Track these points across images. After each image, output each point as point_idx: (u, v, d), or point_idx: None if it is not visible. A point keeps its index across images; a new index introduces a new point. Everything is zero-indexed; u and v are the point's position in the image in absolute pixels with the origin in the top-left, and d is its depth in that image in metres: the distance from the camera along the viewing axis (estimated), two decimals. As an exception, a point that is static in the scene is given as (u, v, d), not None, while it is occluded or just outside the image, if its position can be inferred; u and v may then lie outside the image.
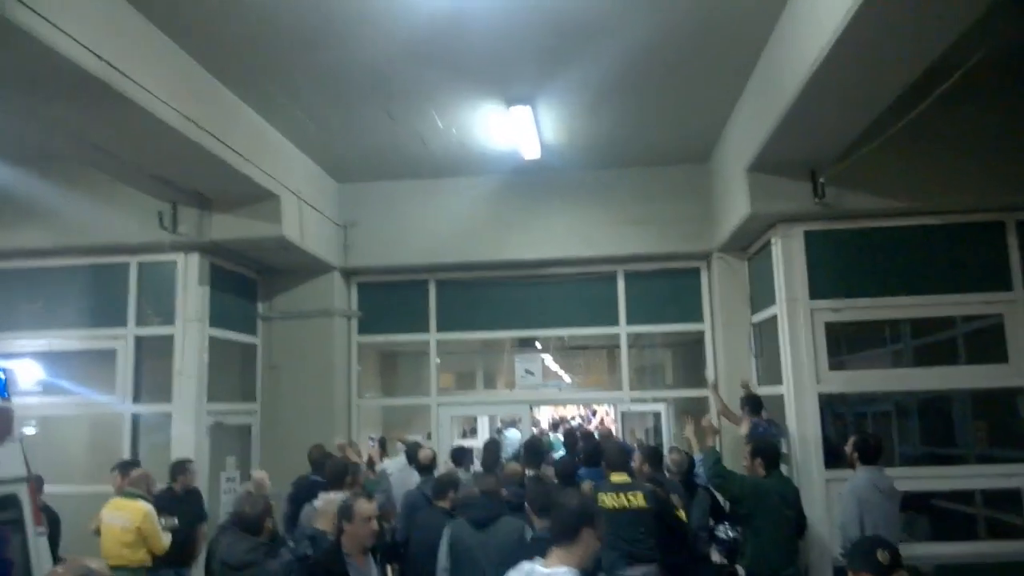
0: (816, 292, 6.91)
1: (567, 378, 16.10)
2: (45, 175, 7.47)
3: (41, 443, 7.71)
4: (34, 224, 7.69)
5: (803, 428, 6.77)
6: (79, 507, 6.39)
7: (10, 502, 4.69)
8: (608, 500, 5.26)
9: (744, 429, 6.93)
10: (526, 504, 4.49)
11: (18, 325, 7.98)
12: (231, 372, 8.49)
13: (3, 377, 4.89)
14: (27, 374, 7.82)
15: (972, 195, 6.54)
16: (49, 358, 7.97)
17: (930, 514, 6.85)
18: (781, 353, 7.07)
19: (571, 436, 9.70)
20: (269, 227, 7.44)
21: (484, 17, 5.28)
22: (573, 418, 19.97)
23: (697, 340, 9.24)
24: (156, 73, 5.30)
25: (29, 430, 7.65)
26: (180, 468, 6.71)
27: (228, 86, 6.40)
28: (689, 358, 10.98)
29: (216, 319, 7.99)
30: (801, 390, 6.82)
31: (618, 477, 5.50)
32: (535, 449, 7.06)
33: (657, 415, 9.29)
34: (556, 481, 6.16)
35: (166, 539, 6.00)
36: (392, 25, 5.40)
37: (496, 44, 5.75)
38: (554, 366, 14.25)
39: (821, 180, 6.59)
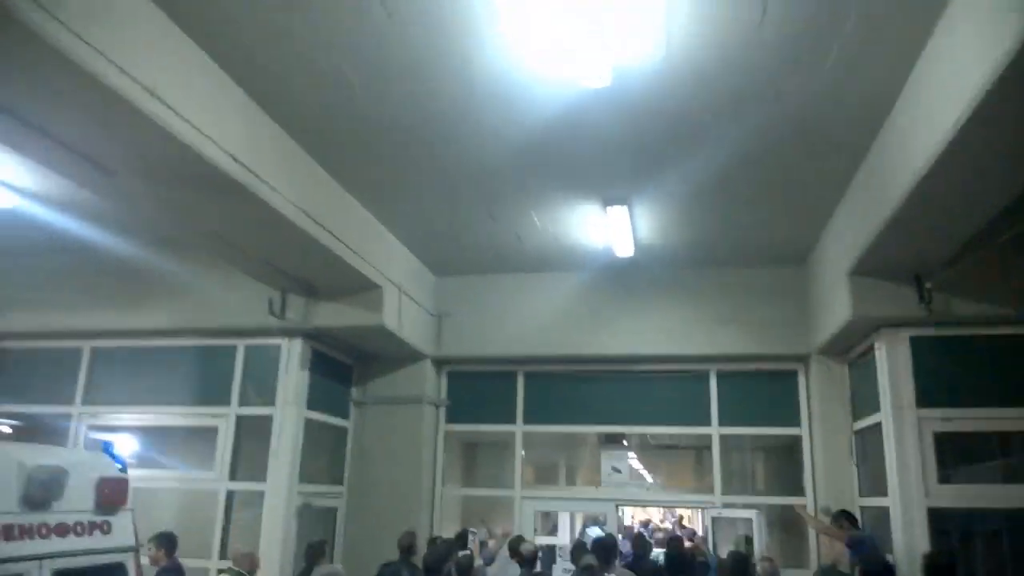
0: (924, 400, 6.67)
1: (649, 478, 15.64)
2: (165, 260, 7.99)
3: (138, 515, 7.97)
4: (154, 306, 8.25)
5: (910, 543, 6.40)
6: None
7: (118, 571, 4.86)
8: None
9: (842, 541, 6.58)
10: None
11: (129, 400, 8.41)
12: (321, 455, 8.66)
13: (119, 450, 5.16)
14: (130, 447, 8.19)
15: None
16: (150, 433, 8.34)
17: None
18: (887, 463, 6.78)
19: (640, 539, 9.42)
20: (371, 316, 7.74)
21: (592, 123, 5.53)
22: (648, 522, 19.28)
23: (790, 445, 8.92)
24: (281, 171, 5.73)
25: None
26: (320, 550, 6.80)
27: (342, 183, 6.83)
28: (782, 463, 10.57)
29: (312, 402, 8.24)
30: (908, 503, 6.50)
31: None
32: (606, 548, 6.88)
33: (748, 521, 8.89)
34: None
35: None
36: (504, 130, 5.72)
37: (600, 148, 6.00)
38: (637, 465, 13.89)
39: (928, 285, 6.45)
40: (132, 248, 7.78)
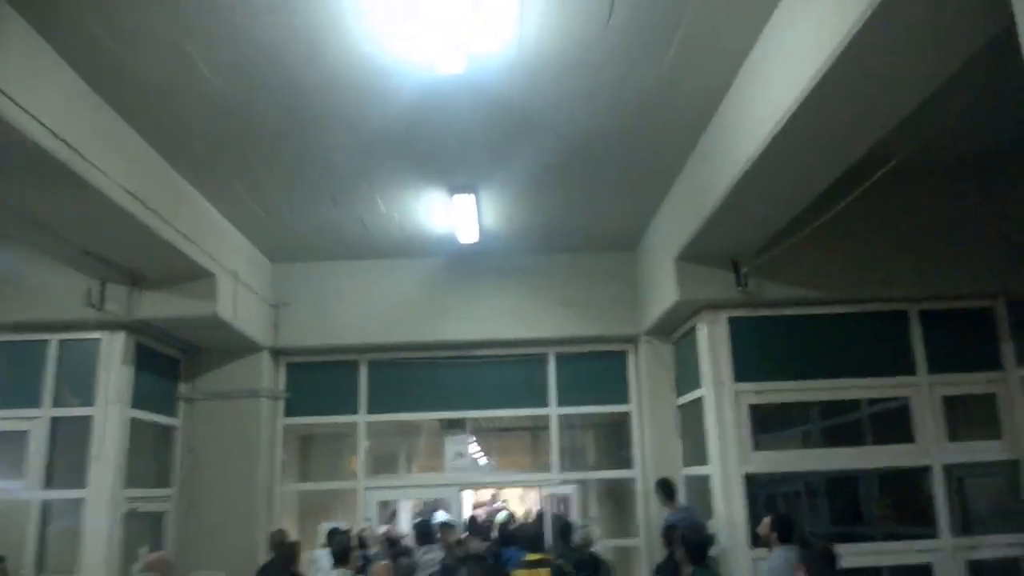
0: (740, 375, 7.28)
1: (484, 461, 15.94)
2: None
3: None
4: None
5: (730, 508, 7.00)
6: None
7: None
8: (521, 574, 6.16)
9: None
10: None
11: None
12: (147, 456, 8.09)
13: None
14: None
15: (879, 286, 7.16)
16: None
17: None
18: (707, 434, 7.37)
19: (474, 521, 9.82)
20: (203, 306, 7.31)
21: (443, 112, 5.57)
22: (483, 504, 19.77)
23: (619, 422, 9.46)
24: (106, 150, 5.28)
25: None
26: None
27: (176, 168, 6.43)
28: (612, 439, 11.19)
29: (137, 400, 7.69)
30: (727, 469, 7.09)
31: (532, 556, 6.30)
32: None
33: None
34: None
35: None
36: (352, 116, 5.62)
37: (449, 137, 6.04)
38: (475, 448, 14.14)
39: (744, 271, 7.08)
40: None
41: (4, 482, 7.21)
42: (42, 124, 4.50)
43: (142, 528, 7.83)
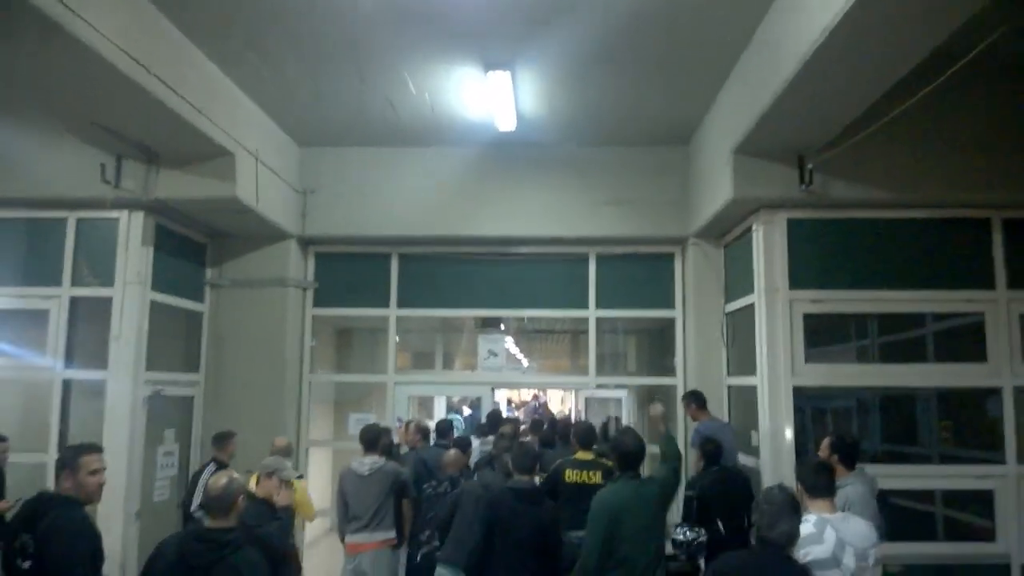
0: (796, 282, 6.68)
1: (526, 361, 15.82)
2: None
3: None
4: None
5: (776, 421, 6.57)
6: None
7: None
8: (571, 475, 5.88)
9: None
10: (509, 461, 5.22)
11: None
12: (174, 340, 7.94)
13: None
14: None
15: (960, 190, 6.37)
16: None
17: (891, 513, 6.71)
18: (757, 343, 6.85)
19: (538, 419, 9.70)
20: (221, 187, 6.91)
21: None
22: (524, 403, 19.91)
23: (662, 327, 8.98)
24: (108, 13, 4.79)
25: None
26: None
27: (187, 34, 5.89)
28: (654, 345, 10.78)
29: (159, 283, 7.46)
30: (775, 382, 6.61)
31: (583, 455, 6.00)
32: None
33: (619, 402, 9.03)
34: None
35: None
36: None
37: (477, 2, 5.33)
38: (514, 348, 13.94)
39: (809, 166, 6.35)
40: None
41: (26, 358, 7.13)
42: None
43: (170, 411, 7.77)
